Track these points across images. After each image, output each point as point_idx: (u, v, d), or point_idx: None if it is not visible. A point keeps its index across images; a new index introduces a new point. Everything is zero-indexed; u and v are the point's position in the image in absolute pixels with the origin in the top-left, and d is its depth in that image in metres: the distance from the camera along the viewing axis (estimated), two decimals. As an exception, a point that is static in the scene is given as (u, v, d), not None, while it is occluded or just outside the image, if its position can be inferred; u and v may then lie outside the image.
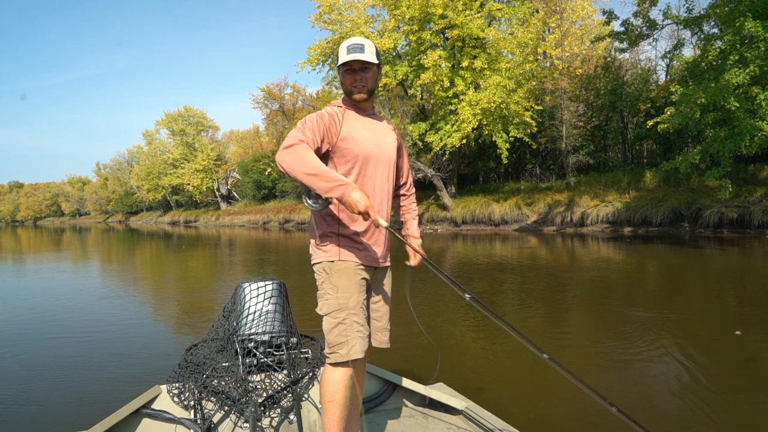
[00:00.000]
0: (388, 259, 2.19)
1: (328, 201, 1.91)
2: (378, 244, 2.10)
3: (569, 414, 3.17)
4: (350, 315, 1.96)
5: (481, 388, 3.54)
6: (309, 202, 1.92)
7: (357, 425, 2.17)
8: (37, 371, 4.49)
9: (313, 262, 2.09)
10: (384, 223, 1.94)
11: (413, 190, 2.43)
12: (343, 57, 2.01)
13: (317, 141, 1.95)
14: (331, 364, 1.98)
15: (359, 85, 2.04)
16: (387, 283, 2.21)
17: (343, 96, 2.16)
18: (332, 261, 2.01)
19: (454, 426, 2.45)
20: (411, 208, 2.38)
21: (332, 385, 1.96)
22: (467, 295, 1.94)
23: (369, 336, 2.07)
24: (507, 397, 3.49)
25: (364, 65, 2.03)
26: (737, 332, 4.94)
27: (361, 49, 2.01)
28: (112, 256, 19.00)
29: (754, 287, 7.31)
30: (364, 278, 2.05)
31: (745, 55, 10.70)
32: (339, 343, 1.94)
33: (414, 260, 2.21)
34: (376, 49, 2.08)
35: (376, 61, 2.04)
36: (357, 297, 2.00)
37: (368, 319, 2.12)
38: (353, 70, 2.02)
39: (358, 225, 2.04)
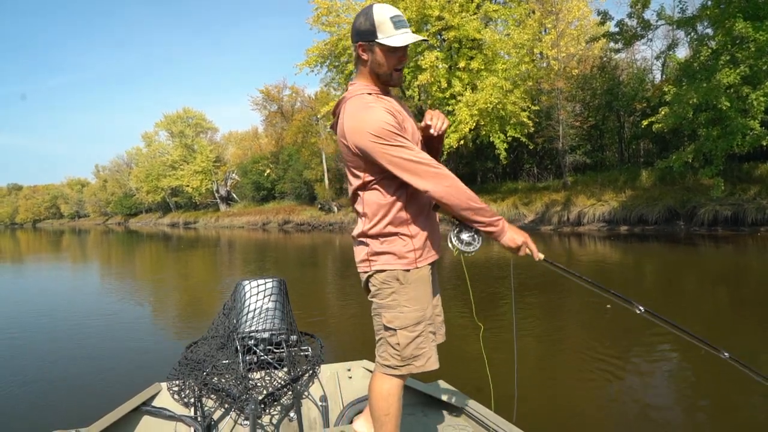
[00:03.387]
0: None
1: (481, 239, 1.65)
2: (438, 233, 1.87)
3: (570, 412, 3.23)
4: (427, 326, 1.78)
5: (481, 386, 3.60)
6: (464, 241, 1.66)
7: None
8: (36, 369, 4.56)
9: (375, 269, 1.76)
10: (541, 255, 1.72)
11: None
12: (392, 33, 1.64)
13: None
14: (395, 375, 1.80)
15: (402, 68, 1.72)
16: (437, 272, 1.98)
17: (353, 81, 1.80)
18: (407, 270, 1.73)
19: (454, 423, 2.42)
20: None
21: (387, 398, 1.81)
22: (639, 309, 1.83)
23: None
24: (508, 395, 3.54)
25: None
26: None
27: (407, 23, 1.65)
28: (112, 257, 19.04)
29: (749, 283, 7.42)
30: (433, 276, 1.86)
31: (735, 56, 10.81)
32: (415, 356, 1.77)
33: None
34: None
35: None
36: (432, 303, 1.82)
37: None
38: (400, 50, 1.67)
39: (424, 218, 1.78)
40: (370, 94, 1.73)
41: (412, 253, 1.72)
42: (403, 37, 1.63)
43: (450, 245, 1.66)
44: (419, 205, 1.76)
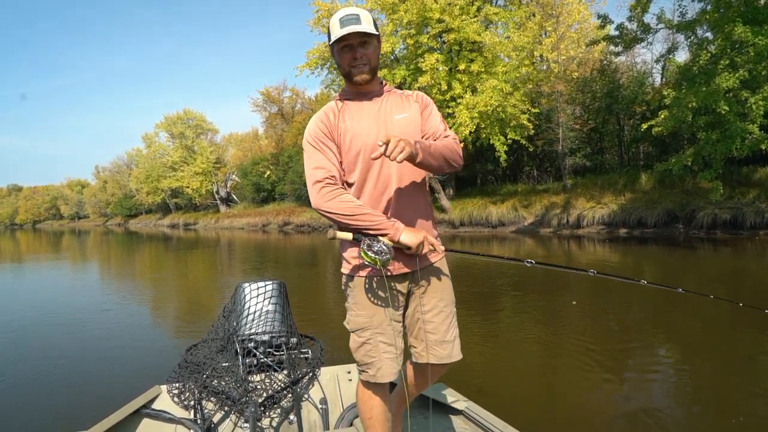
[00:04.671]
0: (432, 256, 1.81)
1: (390, 246, 1.65)
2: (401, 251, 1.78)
3: (569, 414, 3.23)
4: (375, 335, 1.76)
5: (481, 388, 3.59)
6: (377, 251, 1.62)
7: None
8: (37, 372, 4.56)
9: (341, 270, 1.88)
10: (442, 247, 1.75)
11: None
12: (337, 32, 1.67)
13: (334, 159, 1.73)
14: (360, 380, 1.84)
15: (360, 64, 1.71)
16: (437, 285, 1.84)
17: (343, 87, 1.86)
18: (352, 276, 1.79)
19: (454, 426, 2.42)
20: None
21: (367, 402, 1.83)
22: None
23: (402, 354, 1.83)
24: (507, 397, 3.52)
25: (363, 39, 1.69)
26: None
27: (356, 19, 1.67)
28: (112, 258, 19.05)
29: (748, 286, 7.43)
30: (394, 290, 1.77)
31: (735, 60, 10.84)
32: (366, 364, 1.78)
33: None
34: (373, 18, 1.73)
35: (376, 32, 1.70)
36: (382, 314, 1.75)
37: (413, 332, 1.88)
38: (351, 46, 1.69)
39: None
40: (339, 99, 1.82)
41: (355, 260, 1.76)
42: (339, 32, 1.67)
43: (367, 260, 1.64)
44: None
